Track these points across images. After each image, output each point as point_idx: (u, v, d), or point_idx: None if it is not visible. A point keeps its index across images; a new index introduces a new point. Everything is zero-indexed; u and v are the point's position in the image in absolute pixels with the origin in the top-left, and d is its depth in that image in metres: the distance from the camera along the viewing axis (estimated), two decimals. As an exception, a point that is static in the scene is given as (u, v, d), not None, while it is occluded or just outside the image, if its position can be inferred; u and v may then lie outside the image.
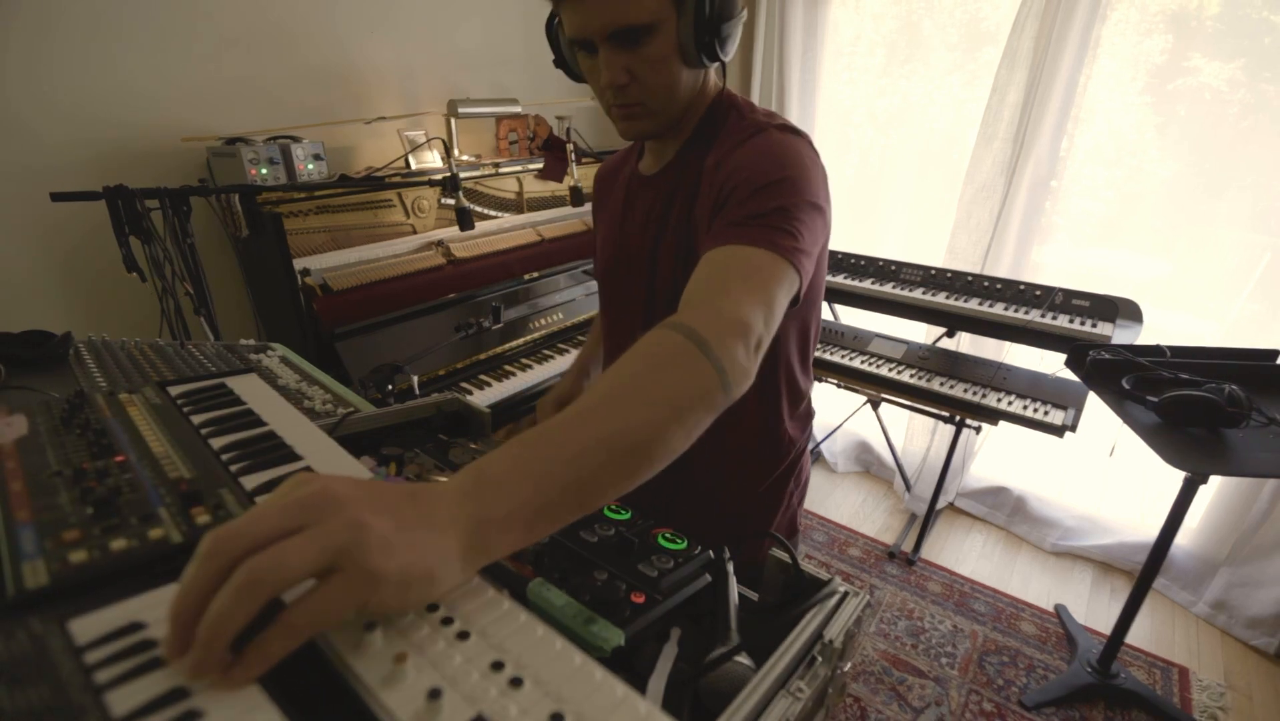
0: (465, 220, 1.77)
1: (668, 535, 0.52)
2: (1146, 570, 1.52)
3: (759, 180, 0.67)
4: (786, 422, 0.92)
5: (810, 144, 0.74)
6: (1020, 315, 1.87)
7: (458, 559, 0.38)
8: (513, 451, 0.43)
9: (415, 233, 1.83)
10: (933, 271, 2.12)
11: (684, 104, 0.76)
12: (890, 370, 2.12)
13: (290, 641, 0.31)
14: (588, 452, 0.44)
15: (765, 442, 0.92)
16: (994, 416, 1.89)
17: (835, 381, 2.28)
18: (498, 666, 0.35)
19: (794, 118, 2.36)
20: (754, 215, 0.65)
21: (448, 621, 0.38)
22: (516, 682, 0.34)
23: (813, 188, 0.69)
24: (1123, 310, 1.78)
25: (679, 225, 0.81)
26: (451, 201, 1.82)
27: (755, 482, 0.94)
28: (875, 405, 2.46)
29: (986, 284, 2.01)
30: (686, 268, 0.77)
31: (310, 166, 1.60)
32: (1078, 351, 1.55)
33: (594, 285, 2.18)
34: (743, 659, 0.42)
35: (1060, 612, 1.96)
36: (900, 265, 2.18)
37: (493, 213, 2.04)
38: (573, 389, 1.13)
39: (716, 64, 0.73)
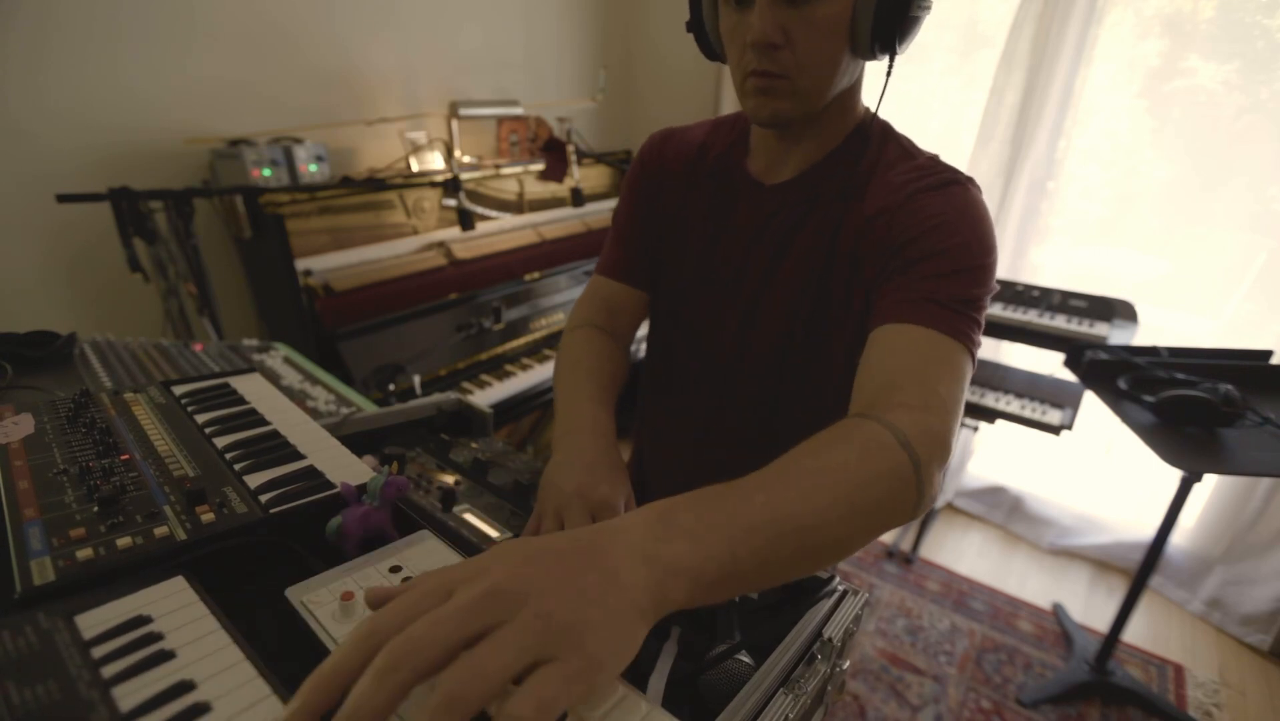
0: (466, 221, 1.78)
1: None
2: (1142, 568, 1.53)
3: (966, 260, 0.58)
4: None
5: None
6: (1018, 315, 1.87)
7: (651, 612, 0.33)
8: (703, 504, 0.39)
9: (417, 233, 1.84)
10: (931, 272, 2.12)
11: (828, 98, 0.62)
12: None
13: None
14: (785, 535, 0.39)
15: None
16: (991, 415, 1.90)
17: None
18: (500, 661, 0.35)
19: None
20: (961, 300, 0.57)
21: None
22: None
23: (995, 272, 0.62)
24: (1119, 310, 1.79)
25: (809, 253, 0.67)
26: (453, 202, 1.83)
27: None
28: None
29: (984, 284, 2.02)
30: (804, 305, 0.67)
31: (313, 168, 1.61)
32: (1076, 351, 1.55)
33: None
34: (743, 657, 0.42)
35: (1057, 611, 1.96)
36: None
37: (494, 214, 2.04)
38: (607, 424, 0.67)
39: (884, 59, 0.62)
